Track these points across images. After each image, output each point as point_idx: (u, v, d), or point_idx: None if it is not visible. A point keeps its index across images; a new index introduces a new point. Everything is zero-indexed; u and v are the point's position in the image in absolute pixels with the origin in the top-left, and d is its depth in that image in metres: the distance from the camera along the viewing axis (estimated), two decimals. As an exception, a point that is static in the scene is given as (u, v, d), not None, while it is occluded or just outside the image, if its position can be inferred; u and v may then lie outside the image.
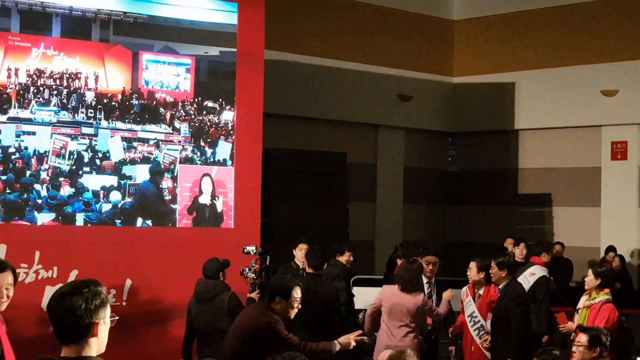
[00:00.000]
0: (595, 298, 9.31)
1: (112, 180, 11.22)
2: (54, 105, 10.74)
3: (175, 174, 11.72)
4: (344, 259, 11.37)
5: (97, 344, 3.86)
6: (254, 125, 13.38)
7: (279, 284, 7.49)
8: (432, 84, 19.33)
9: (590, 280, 9.33)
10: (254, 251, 9.82)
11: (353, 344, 7.63)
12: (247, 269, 9.75)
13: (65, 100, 10.76)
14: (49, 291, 11.68)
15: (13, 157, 10.52)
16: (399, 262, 12.18)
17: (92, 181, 11.03)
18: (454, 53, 19.95)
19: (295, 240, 11.25)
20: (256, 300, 9.22)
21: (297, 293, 7.36)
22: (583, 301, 9.49)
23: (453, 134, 20.07)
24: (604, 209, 17.76)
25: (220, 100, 12.17)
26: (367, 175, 18.47)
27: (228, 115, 12.29)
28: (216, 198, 12.73)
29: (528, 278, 11.82)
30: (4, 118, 10.39)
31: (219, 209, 12.68)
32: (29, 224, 10.91)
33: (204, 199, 12.78)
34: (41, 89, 10.67)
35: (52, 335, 12.08)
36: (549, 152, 18.63)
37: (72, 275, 11.85)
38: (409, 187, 19.10)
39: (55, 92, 10.75)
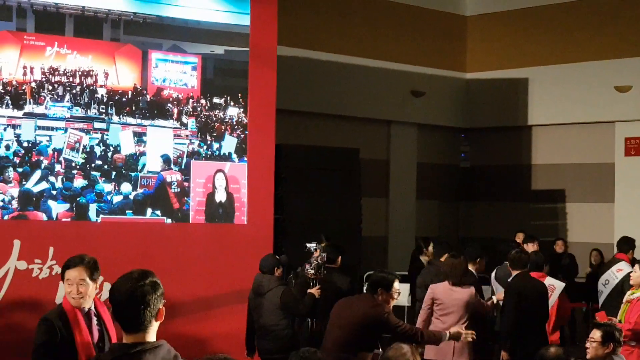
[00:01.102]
0: (634, 293, 9.30)
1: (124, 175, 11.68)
2: (68, 101, 11.17)
3: (183, 167, 12.10)
4: None
5: (155, 329, 4.00)
6: (267, 122, 13.40)
7: (381, 277, 7.84)
8: (445, 79, 19.32)
9: (637, 275, 9.31)
10: (315, 247, 10.07)
11: (463, 336, 8.00)
12: (307, 265, 10.01)
13: (78, 97, 11.21)
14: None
15: (33, 150, 10.96)
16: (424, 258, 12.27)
17: (104, 173, 11.51)
18: (467, 49, 19.93)
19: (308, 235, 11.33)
20: (316, 296, 9.63)
21: (397, 285, 7.78)
22: (627, 296, 9.51)
23: (466, 130, 20.05)
24: (617, 205, 17.73)
25: (226, 96, 12.48)
26: (380, 171, 18.47)
27: (233, 111, 12.60)
28: (229, 194, 12.79)
29: (616, 274, 11.76)
30: (20, 114, 10.84)
31: (232, 205, 12.74)
32: (43, 217, 11.19)
33: (218, 195, 12.82)
34: (55, 85, 11.09)
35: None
36: (562, 148, 18.60)
37: (86, 271, 11.89)
38: (422, 183, 19.09)
39: (68, 89, 11.17)
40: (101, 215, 11.63)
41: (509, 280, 10.10)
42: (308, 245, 10.20)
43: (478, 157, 20.03)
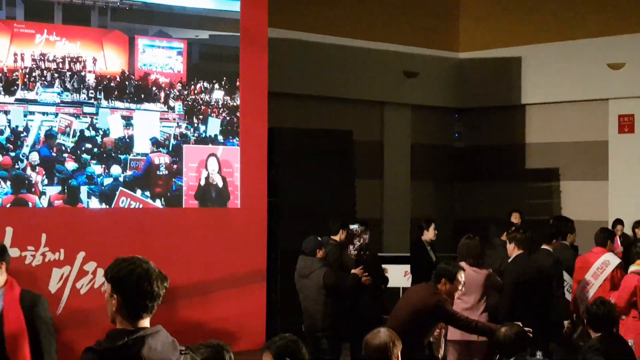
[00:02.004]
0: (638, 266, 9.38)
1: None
2: (58, 87, 11.53)
3: (170, 150, 12.43)
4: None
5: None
6: (259, 105, 13.40)
7: (445, 268, 8.24)
8: (437, 59, 19.26)
9: None
10: (357, 229, 10.55)
11: None
12: (350, 247, 10.46)
13: (67, 83, 11.58)
14: (56, 274, 11.74)
15: (22, 135, 11.30)
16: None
17: (94, 156, 11.90)
18: (460, 28, 19.88)
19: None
20: (359, 276, 10.17)
21: (461, 277, 8.20)
22: (632, 267, 9.56)
23: (460, 110, 20.02)
24: (611, 182, 17.71)
25: (212, 80, 12.80)
26: (374, 152, 18.43)
27: (218, 94, 12.90)
28: (222, 178, 12.84)
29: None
30: (12, 99, 11.19)
31: (226, 189, 12.81)
32: (36, 200, 11.44)
33: (211, 180, 12.85)
34: (45, 72, 11.45)
35: (60, 317, 12.16)
36: (556, 126, 18.57)
37: (79, 258, 11.90)
38: (417, 164, 19.06)
39: (58, 75, 11.53)
40: (93, 198, 11.79)
41: (509, 261, 10.04)
42: (351, 226, 10.71)
43: (472, 137, 20.00)
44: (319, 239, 10.43)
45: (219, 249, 12.83)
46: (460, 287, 8.27)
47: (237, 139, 12.97)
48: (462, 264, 9.52)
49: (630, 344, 7.75)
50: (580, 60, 17.84)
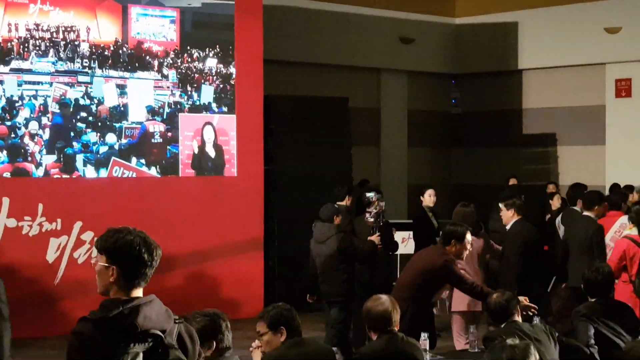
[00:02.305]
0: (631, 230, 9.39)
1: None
2: (52, 57, 11.60)
3: (165, 118, 12.51)
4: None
5: None
6: (255, 73, 13.37)
7: (453, 229, 8.16)
8: (433, 25, 19.18)
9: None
10: (373, 197, 10.54)
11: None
12: (367, 214, 10.49)
13: (62, 52, 11.63)
14: (53, 243, 11.76)
15: (17, 104, 11.42)
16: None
17: (90, 125, 12.00)
18: (456, -7, 19.79)
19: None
20: (376, 243, 10.26)
21: (469, 237, 8.11)
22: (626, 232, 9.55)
23: (456, 76, 19.96)
24: (608, 146, 17.70)
25: (205, 48, 12.84)
26: (371, 119, 18.40)
27: (212, 62, 12.92)
28: (218, 147, 12.85)
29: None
30: (6, 69, 11.28)
31: (222, 158, 12.84)
32: (33, 169, 11.58)
33: (206, 148, 12.85)
34: (39, 42, 11.54)
35: (58, 287, 12.18)
36: (552, 91, 18.52)
37: (76, 227, 11.92)
38: (413, 130, 19.03)
39: (52, 45, 11.61)
40: (87, 165, 11.94)
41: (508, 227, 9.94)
42: (367, 194, 10.70)
43: (469, 103, 19.96)
44: (336, 206, 10.51)
45: (216, 217, 12.85)
46: (469, 247, 8.19)
47: (225, 108, 12.96)
48: None
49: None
50: (577, 24, 17.76)
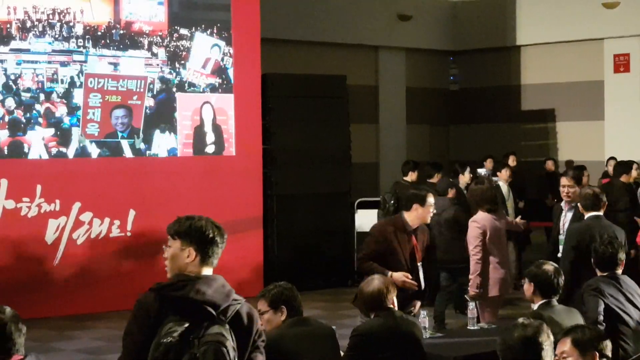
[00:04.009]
0: None
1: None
2: (49, 37, 11.95)
3: (155, 93, 12.70)
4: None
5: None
6: (252, 52, 13.35)
7: (413, 193, 8.14)
8: (431, 2, 19.12)
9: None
10: (485, 173, 11.77)
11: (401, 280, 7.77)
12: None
13: (57, 33, 11.99)
14: (52, 224, 11.76)
15: (17, 82, 11.77)
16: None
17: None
18: (453, -30, 19.71)
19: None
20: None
21: (431, 199, 8.01)
22: None
23: (454, 53, 19.92)
24: (607, 122, 17.69)
25: (192, 27, 12.99)
26: (369, 97, 18.37)
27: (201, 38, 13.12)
28: (217, 126, 12.85)
29: None
30: (6, 49, 11.65)
31: (221, 137, 12.86)
32: (32, 143, 11.80)
33: (205, 127, 12.85)
34: (37, 23, 11.88)
35: (57, 268, 12.16)
36: (551, 67, 18.49)
37: (75, 208, 11.91)
38: (412, 107, 19.01)
39: (48, 26, 11.96)
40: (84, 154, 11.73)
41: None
42: (479, 170, 12.01)
43: (467, 79, 19.92)
44: (451, 180, 11.55)
45: (215, 196, 12.84)
46: (431, 211, 7.98)
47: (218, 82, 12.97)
48: (480, 212, 8.79)
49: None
50: (575, 0, 17.71)
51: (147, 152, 12.52)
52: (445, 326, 10.36)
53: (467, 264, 8.89)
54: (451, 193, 10.92)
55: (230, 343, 4.05)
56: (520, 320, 4.55)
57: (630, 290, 6.88)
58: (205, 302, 4.08)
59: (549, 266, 6.41)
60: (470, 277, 8.66)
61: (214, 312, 4.08)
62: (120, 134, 12.36)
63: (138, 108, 12.46)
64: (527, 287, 6.43)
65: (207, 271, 4.26)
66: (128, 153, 12.39)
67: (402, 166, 13.22)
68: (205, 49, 12.99)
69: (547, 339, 4.45)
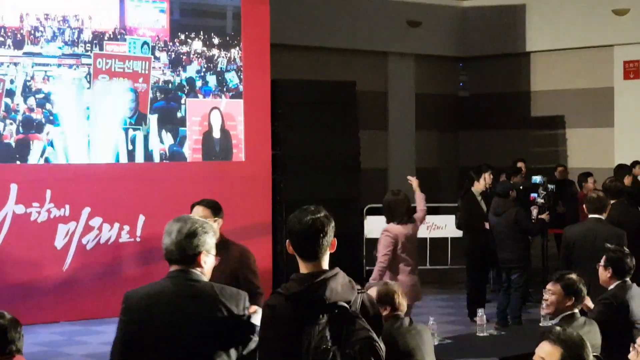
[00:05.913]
0: None
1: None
2: (59, 42, 12.16)
3: (161, 95, 12.86)
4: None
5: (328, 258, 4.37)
6: (262, 57, 13.37)
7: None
8: (441, 8, 19.13)
9: None
10: (540, 180, 11.91)
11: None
12: (536, 195, 11.73)
13: (67, 38, 12.26)
14: (62, 229, 11.77)
15: (28, 83, 11.96)
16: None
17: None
18: (462, -24, 19.72)
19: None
20: (546, 220, 11.54)
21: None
22: None
23: (464, 59, 19.92)
24: (617, 129, 17.67)
25: (190, 33, 13.13)
26: (378, 103, 18.38)
27: (197, 45, 13.18)
28: (226, 132, 12.87)
29: None
30: (20, 53, 11.94)
31: (229, 143, 12.87)
32: (44, 140, 11.90)
33: (213, 133, 12.87)
34: (48, 29, 12.16)
35: (66, 273, 12.14)
36: (560, 73, 18.48)
37: (85, 213, 11.92)
38: (421, 113, 19.02)
39: (59, 32, 12.23)
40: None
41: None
42: (534, 177, 12.14)
43: (477, 85, 19.92)
44: (512, 182, 12.23)
45: (224, 202, 12.68)
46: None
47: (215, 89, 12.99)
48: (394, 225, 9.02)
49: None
50: (585, 6, 17.71)
51: (152, 145, 12.54)
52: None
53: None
54: (512, 194, 11.30)
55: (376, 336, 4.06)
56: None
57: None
58: (340, 300, 4.09)
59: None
60: (370, 280, 8.79)
61: (348, 308, 4.09)
62: (127, 120, 12.41)
63: (144, 93, 12.59)
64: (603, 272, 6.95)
65: (324, 265, 4.25)
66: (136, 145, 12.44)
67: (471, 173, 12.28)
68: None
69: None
